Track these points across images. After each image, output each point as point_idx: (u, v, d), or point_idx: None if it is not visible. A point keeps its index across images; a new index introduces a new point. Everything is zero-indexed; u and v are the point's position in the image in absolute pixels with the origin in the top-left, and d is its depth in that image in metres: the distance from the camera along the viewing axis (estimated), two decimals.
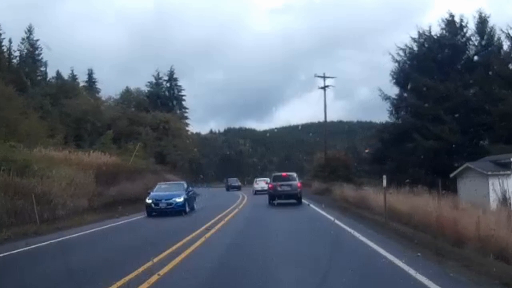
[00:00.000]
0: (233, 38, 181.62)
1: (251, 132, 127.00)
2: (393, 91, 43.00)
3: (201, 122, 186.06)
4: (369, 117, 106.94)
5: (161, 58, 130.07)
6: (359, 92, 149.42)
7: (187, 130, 62.01)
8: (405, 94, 41.68)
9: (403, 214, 16.95)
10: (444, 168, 35.13)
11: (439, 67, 40.26)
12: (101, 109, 47.39)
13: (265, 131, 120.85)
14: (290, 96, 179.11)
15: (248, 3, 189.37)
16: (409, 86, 38.73)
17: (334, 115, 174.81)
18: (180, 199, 21.69)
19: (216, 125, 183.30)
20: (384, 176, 15.75)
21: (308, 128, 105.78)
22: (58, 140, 37.37)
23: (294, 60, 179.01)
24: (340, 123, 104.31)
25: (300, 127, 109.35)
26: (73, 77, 63.67)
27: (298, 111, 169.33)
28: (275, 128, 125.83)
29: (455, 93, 38.88)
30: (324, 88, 40.81)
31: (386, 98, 41.72)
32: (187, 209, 22.05)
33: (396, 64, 42.12)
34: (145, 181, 30.04)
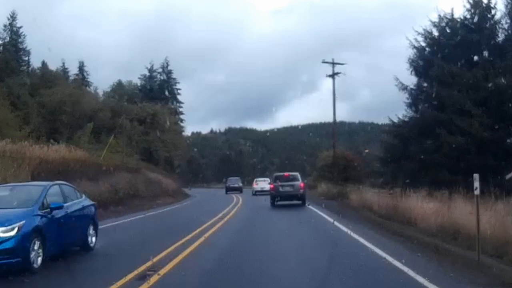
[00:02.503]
0: (234, 39, 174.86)
1: (252, 132, 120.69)
2: (411, 80, 35.58)
3: (202, 122, 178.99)
4: (370, 119, 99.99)
5: (162, 60, 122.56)
6: (361, 93, 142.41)
7: (182, 126, 54.40)
8: (425, 84, 34.33)
9: (487, 239, 9.75)
10: (473, 168, 28.29)
11: (464, 52, 33.10)
12: (82, 99, 39.77)
13: (265, 131, 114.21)
14: (291, 97, 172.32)
15: (250, 5, 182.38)
16: (430, 72, 31.58)
17: (335, 116, 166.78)
18: (8, 233, 7.43)
19: (217, 125, 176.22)
20: (476, 176, 8.42)
21: (309, 128, 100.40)
22: (26, 132, 30.66)
23: (295, 61, 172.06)
24: (341, 124, 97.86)
25: (300, 127, 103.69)
26: (64, 70, 57.10)
27: (299, 111, 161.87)
28: (276, 129, 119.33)
29: (485, 82, 31.81)
30: (333, 76, 33.42)
31: (404, 88, 34.15)
32: (38, 262, 7.83)
33: (415, 51, 34.59)
34: (114, 181, 22.97)
